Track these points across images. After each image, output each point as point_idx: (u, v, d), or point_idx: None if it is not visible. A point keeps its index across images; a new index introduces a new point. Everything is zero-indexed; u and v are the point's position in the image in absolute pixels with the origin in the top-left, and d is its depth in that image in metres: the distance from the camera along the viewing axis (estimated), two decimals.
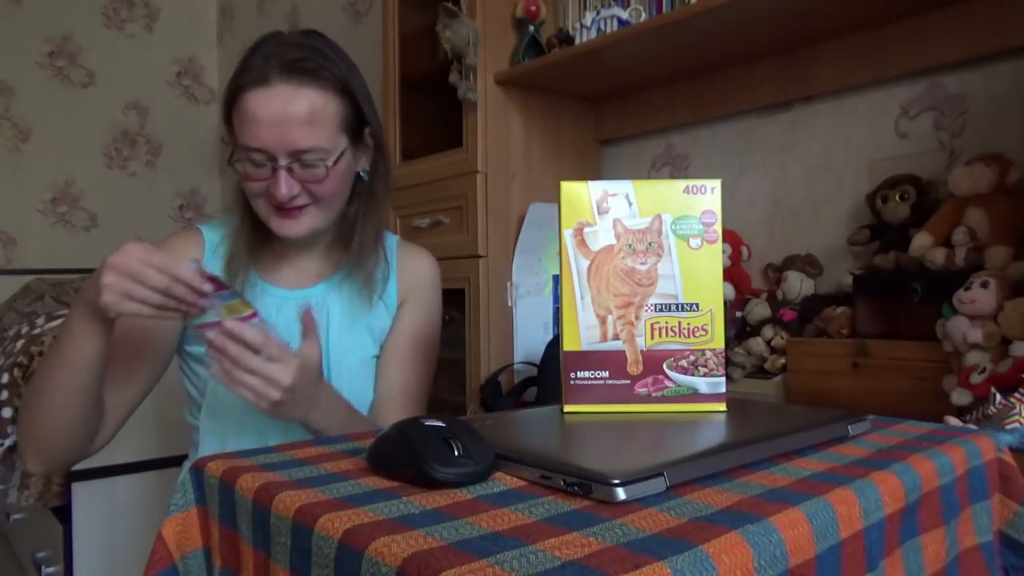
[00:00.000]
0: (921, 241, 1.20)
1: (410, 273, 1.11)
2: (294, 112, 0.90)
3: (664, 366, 0.78)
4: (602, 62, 1.60)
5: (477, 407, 1.61)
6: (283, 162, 0.91)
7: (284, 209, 0.94)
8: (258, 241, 1.02)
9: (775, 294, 1.48)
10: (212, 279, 0.82)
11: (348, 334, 1.05)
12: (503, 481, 0.57)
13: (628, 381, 0.77)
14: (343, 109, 0.96)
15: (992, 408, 0.94)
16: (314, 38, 0.97)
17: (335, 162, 0.94)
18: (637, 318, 0.78)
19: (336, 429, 0.88)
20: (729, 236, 1.56)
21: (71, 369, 0.85)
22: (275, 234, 0.98)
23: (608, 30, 1.56)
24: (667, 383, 0.77)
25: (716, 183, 0.78)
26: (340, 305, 1.05)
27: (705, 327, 0.78)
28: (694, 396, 0.77)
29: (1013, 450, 0.82)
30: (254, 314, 0.84)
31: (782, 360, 1.35)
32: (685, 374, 0.78)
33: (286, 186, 0.91)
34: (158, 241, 1.01)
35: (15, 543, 2.14)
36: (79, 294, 0.85)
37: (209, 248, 1.03)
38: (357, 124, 0.99)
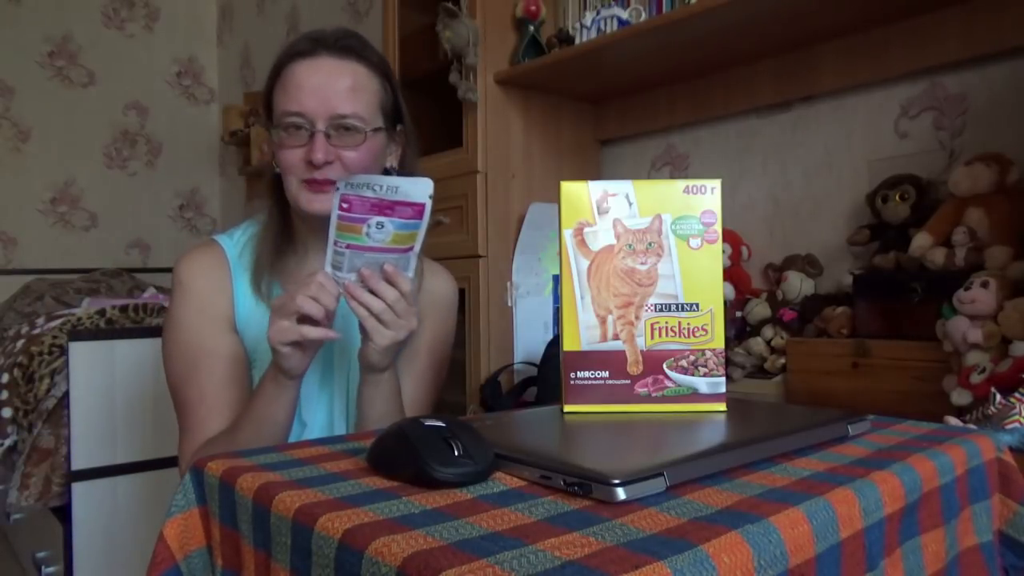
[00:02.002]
0: (921, 241, 1.19)
1: (429, 291, 1.10)
2: (338, 81, 0.94)
3: (664, 366, 0.78)
4: (602, 62, 1.60)
5: (477, 407, 1.61)
6: (321, 126, 0.92)
7: (315, 183, 0.94)
8: (283, 245, 1.01)
9: (775, 294, 1.48)
10: (398, 204, 0.80)
11: None
12: (503, 481, 0.57)
13: (628, 381, 0.77)
14: (383, 93, 0.99)
15: (992, 408, 0.94)
16: (355, 32, 1.01)
17: (373, 131, 0.96)
18: (637, 318, 0.78)
19: (392, 391, 0.93)
20: (729, 236, 1.56)
21: (276, 429, 0.90)
22: (302, 216, 0.98)
23: (608, 30, 1.56)
24: (667, 383, 0.77)
25: (716, 183, 0.78)
26: None
27: (705, 327, 0.78)
28: (694, 396, 0.77)
29: (1013, 450, 0.82)
30: (411, 248, 0.84)
31: (782, 360, 1.35)
32: (685, 374, 0.78)
33: (322, 151, 0.92)
34: (178, 257, 1.01)
35: (15, 543, 2.14)
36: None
37: (232, 260, 1.01)
38: (393, 115, 1.01)
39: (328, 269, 0.84)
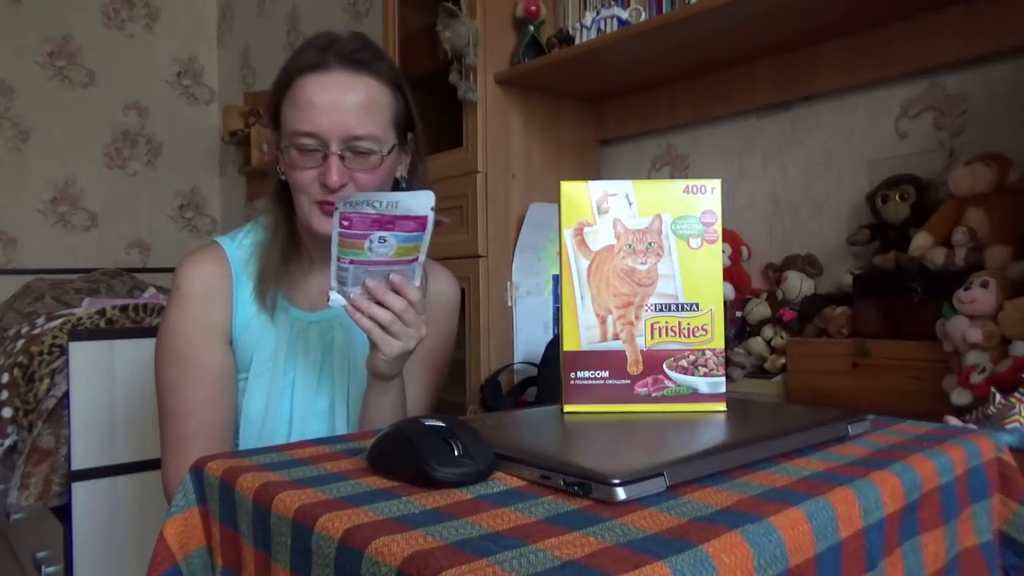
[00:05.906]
0: (921, 241, 1.19)
1: (432, 293, 1.08)
2: (352, 98, 0.91)
3: (664, 366, 0.78)
4: (602, 62, 1.60)
5: (477, 407, 1.61)
6: (335, 148, 0.90)
7: (329, 205, 0.91)
8: (289, 254, 1.00)
9: (775, 294, 1.48)
10: (399, 218, 0.80)
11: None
12: (503, 481, 0.57)
13: (628, 381, 0.77)
14: (396, 105, 0.97)
15: (992, 408, 0.94)
16: (366, 38, 0.98)
17: (388, 152, 0.94)
18: (637, 318, 0.78)
19: (399, 397, 0.94)
20: (729, 236, 1.56)
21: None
22: (312, 236, 0.97)
23: (608, 30, 1.56)
24: (667, 383, 0.77)
25: (716, 183, 0.78)
26: None
27: (705, 327, 0.78)
28: (694, 396, 0.77)
29: (1013, 450, 0.82)
30: (416, 258, 0.85)
31: (782, 360, 1.35)
32: (685, 374, 0.78)
33: (337, 173, 0.90)
34: (180, 259, 0.99)
35: (15, 543, 2.14)
36: None
37: (236, 266, 0.99)
38: (405, 125, 0.99)
39: (333, 284, 0.83)
